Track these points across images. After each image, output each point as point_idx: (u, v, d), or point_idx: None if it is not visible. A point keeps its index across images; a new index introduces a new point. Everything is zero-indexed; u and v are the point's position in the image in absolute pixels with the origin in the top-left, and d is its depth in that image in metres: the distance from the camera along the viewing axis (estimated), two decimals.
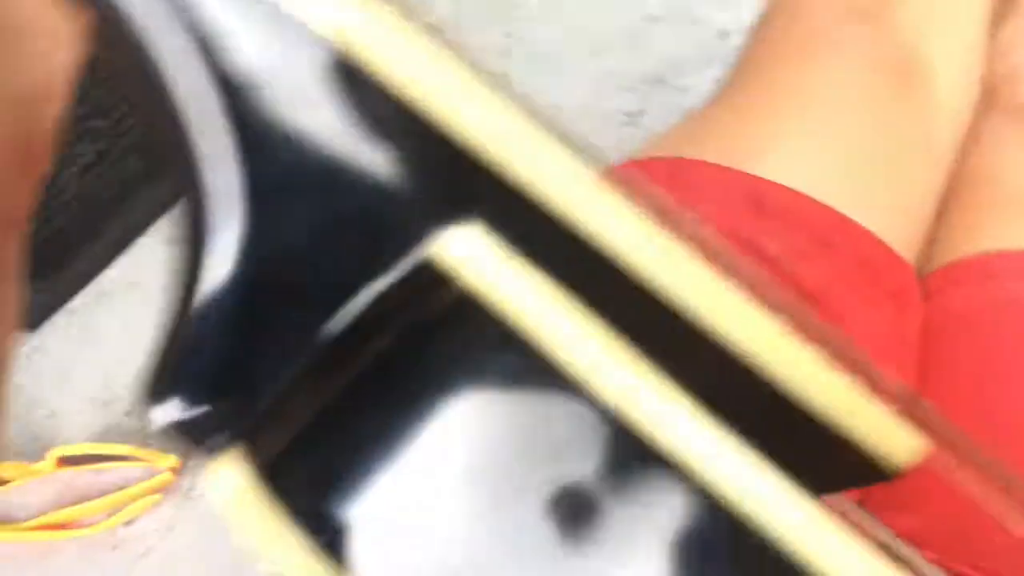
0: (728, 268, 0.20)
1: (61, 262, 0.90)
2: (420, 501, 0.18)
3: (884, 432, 0.19)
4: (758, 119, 0.55)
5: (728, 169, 0.52)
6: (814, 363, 0.19)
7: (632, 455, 0.17)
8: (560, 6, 0.95)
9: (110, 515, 0.80)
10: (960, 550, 0.48)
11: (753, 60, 0.59)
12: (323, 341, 0.18)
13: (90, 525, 0.80)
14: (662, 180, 0.53)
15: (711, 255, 0.20)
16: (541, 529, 0.18)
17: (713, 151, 0.53)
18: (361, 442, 0.18)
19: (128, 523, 0.80)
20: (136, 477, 0.81)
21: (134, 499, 0.80)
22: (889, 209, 0.54)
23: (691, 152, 0.54)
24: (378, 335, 0.18)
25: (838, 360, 0.21)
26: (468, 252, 0.18)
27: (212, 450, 0.18)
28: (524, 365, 0.18)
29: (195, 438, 0.18)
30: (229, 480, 0.18)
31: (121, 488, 0.80)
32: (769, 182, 0.52)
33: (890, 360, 0.52)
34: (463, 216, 0.18)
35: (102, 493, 0.81)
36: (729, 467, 0.17)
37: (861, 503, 0.53)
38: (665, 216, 0.20)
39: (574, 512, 0.18)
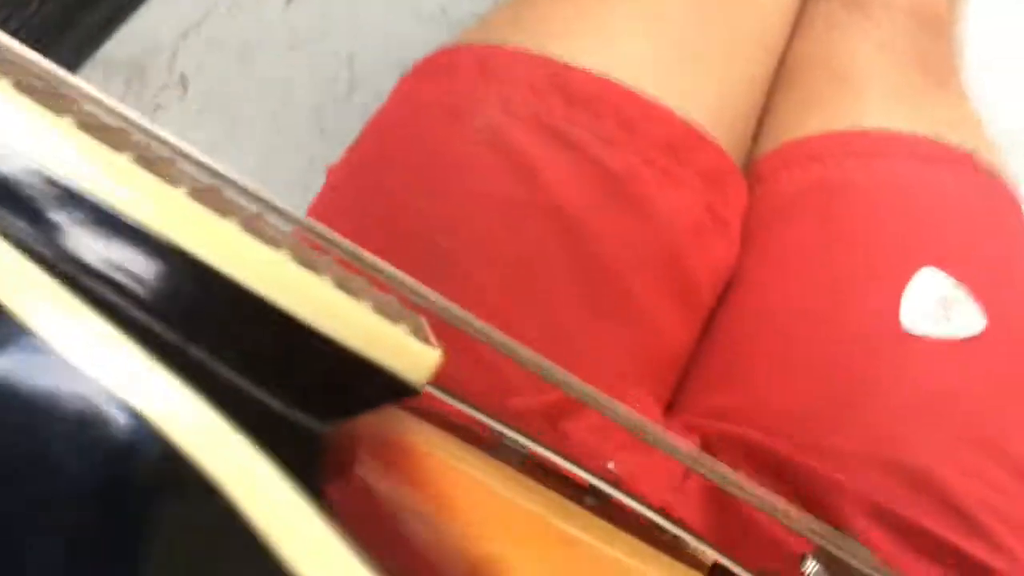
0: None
1: None
2: None
3: (400, 352, 0.20)
4: (568, 3, 0.54)
5: (535, 56, 0.52)
6: (324, 291, 0.20)
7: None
8: None
9: None
10: (775, 424, 0.49)
11: None
12: None
13: None
14: (472, 68, 0.53)
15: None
16: None
17: (523, 36, 0.53)
18: None
19: None
20: None
21: None
22: (705, 92, 0.54)
23: (503, 38, 0.53)
24: None
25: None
26: None
27: None
28: None
29: None
30: None
31: None
32: (576, 68, 0.51)
33: (706, 237, 0.53)
34: None
35: None
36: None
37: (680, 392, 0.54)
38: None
39: None
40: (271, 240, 0.20)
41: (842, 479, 0.45)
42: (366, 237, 0.50)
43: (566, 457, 0.28)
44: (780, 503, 0.31)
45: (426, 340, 0.21)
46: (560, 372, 0.26)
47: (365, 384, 0.20)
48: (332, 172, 0.55)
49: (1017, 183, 0.58)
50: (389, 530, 0.21)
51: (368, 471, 0.21)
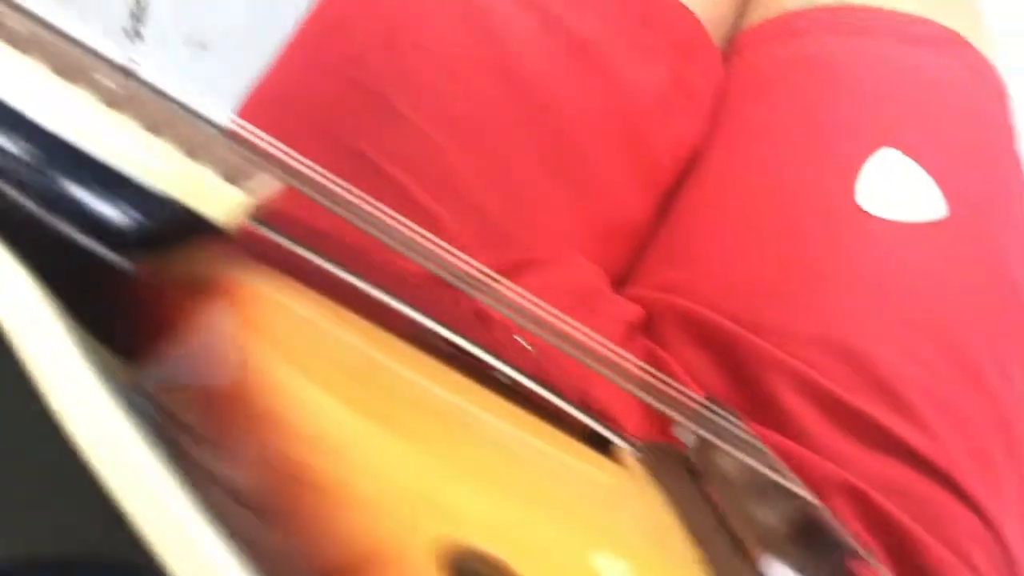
0: None
1: None
2: None
3: (197, 190, 0.20)
4: None
5: None
6: (123, 129, 0.20)
7: None
8: None
9: None
10: (720, 300, 0.49)
11: None
12: None
13: None
14: None
15: None
16: None
17: None
18: None
19: None
20: None
21: None
22: None
23: None
24: None
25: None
26: None
27: None
28: None
29: None
30: None
31: None
32: None
33: (671, 110, 0.52)
34: None
35: None
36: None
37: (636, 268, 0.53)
38: None
39: None
40: (86, 83, 0.21)
41: (776, 353, 0.45)
42: (326, 89, 0.50)
43: (433, 319, 0.28)
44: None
45: (239, 184, 0.21)
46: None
47: (166, 219, 0.21)
48: (302, 23, 0.54)
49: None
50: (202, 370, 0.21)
51: (193, 313, 0.21)
